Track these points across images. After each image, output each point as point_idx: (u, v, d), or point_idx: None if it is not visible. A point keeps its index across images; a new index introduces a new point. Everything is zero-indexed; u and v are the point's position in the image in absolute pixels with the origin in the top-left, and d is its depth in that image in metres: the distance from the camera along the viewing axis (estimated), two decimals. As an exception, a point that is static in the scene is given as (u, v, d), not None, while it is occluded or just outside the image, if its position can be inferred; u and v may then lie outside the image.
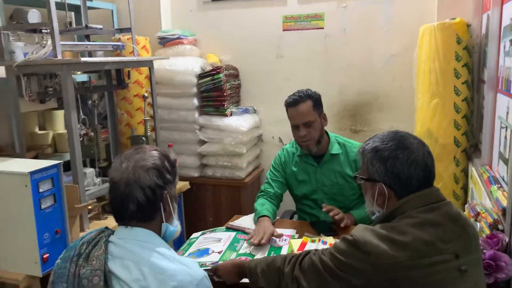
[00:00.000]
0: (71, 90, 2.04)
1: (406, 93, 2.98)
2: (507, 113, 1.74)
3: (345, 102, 3.21)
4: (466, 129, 2.47)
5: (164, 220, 1.22)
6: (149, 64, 2.68)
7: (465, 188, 2.50)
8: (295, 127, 2.11)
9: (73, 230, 1.94)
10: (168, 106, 3.18)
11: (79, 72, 2.50)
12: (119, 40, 2.83)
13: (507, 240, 1.44)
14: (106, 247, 1.14)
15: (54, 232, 1.77)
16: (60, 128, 2.81)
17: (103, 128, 2.75)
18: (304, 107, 2.06)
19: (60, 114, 2.81)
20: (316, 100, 2.10)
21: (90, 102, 2.60)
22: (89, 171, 2.36)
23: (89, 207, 2.19)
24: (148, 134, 2.69)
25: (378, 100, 3.13)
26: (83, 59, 2.14)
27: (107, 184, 2.34)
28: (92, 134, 2.50)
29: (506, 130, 1.74)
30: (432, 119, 2.49)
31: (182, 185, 2.90)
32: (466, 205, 2.27)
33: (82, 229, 2.10)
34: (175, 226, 1.26)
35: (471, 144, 2.56)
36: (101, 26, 2.47)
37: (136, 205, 1.15)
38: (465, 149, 2.49)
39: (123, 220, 1.19)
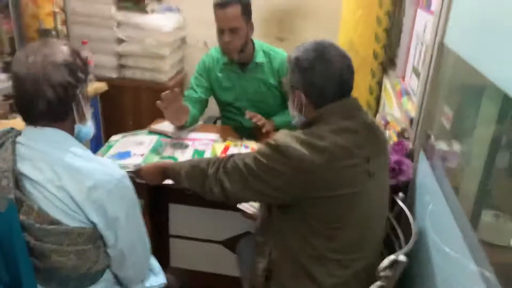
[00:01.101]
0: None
1: (333, 2, 2.96)
2: (424, 29, 1.82)
3: (272, 8, 3.13)
4: (385, 42, 2.56)
5: (77, 121, 1.15)
6: None
7: (378, 99, 2.66)
8: (220, 31, 2.04)
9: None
10: (82, -3, 2.87)
11: None
12: None
13: (411, 146, 1.59)
14: (13, 148, 1.07)
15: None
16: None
17: (5, 18, 2.44)
18: (232, 11, 1.97)
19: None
20: (245, 5, 2.01)
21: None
22: (-9, 66, 2.13)
23: (-5, 106, 2.02)
24: (59, 28, 2.45)
25: (306, 7, 3.10)
26: None
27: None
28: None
29: (422, 45, 1.83)
30: (355, 31, 2.52)
31: (98, 86, 2.74)
32: (378, 115, 2.45)
33: (-13, 130, 1.95)
34: (88, 127, 1.21)
35: (389, 57, 2.67)
36: None
37: (46, 104, 1.06)
38: (382, 62, 2.60)
39: (32, 119, 1.10)
